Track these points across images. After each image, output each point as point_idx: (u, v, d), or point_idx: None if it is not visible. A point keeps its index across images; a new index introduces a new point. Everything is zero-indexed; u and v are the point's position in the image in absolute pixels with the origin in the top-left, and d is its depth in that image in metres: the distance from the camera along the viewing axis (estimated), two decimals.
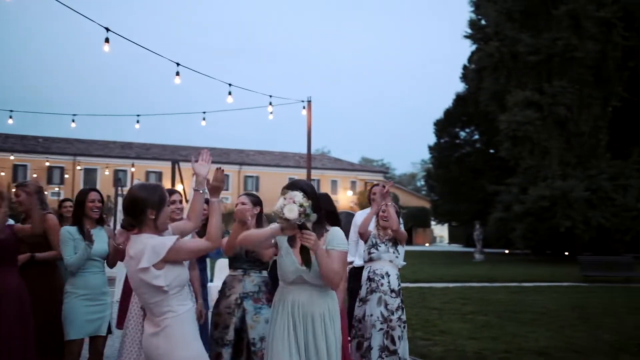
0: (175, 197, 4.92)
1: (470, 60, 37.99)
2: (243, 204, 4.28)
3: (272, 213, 3.11)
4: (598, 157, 27.73)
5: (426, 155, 70.73)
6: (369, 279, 5.05)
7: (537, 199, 26.06)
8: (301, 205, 2.94)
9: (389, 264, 4.97)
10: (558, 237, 27.26)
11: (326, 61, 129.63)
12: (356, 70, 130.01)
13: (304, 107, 11.83)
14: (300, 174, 51.65)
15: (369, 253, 5.14)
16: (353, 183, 53.15)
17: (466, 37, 33.83)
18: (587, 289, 14.73)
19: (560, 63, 27.30)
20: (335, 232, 3.22)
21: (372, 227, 5.19)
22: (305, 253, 3.04)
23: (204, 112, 11.47)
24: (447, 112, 40.78)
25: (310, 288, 3.16)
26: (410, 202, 56.07)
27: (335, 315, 3.21)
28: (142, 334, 4.07)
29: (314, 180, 50.46)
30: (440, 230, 69.42)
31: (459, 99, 39.96)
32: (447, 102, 56.92)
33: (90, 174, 43.44)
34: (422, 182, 71.32)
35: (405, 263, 5.12)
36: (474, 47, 34.89)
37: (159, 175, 44.18)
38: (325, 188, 49.19)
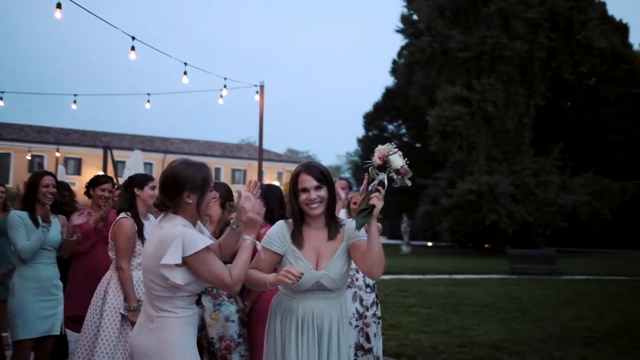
0: (106, 186, 4.69)
1: (399, 54, 38.48)
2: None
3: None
4: (522, 153, 28.71)
5: (351, 147, 71.44)
6: None
7: (464, 193, 26.68)
8: (406, 163, 2.63)
9: None
10: (483, 230, 28.05)
11: (256, 53, 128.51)
12: (286, 62, 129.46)
13: (257, 92, 11.40)
14: (226, 164, 50.84)
15: None
16: (280, 174, 52.78)
17: (398, 31, 34.16)
18: (517, 281, 15.12)
19: (489, 61, 28.01)
20: (351, 223, 2.83)
21: (342, 215, 4.96)
22: (365, 216, 2.59)
23: (149, 94, 10.80)
24: (376, 106, 41.13)
25: (326, 295, 2.74)
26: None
27: (347, 322, 2.87)
28: (119, 334, 3.67)
29: (240, 170, 49.79)
30: None
31: (389, 92, 40.37)
32: (376, 95, 57.67)
33: (3, 159, 40.96)
34: (348, 175, 71.90)
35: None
36: (404, 42, 35.28)
37: (79, 161, 42.25)
38: (252, 178, 48.56)
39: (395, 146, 2.65)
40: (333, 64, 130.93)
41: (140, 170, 11.20)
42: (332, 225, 2.79)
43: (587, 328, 8.07)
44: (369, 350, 4.47)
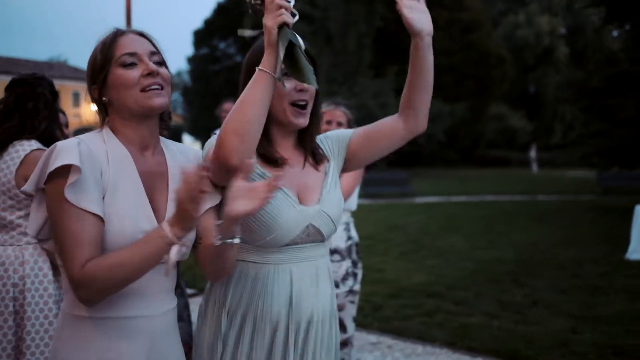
0: None
1: None
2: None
3: None
4: (362, 75, 28.26)
5: (173, 68, 67.04)
6: None
7: None
8: None
9: None
10: None
11: None
12: None
13: None
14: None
15: None
16: None
17: None
18: (379, 207, 14.57)
19: None
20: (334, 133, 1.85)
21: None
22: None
23: None
24: (208, 22, 38.26)
25: (315, 252, 1.62)
26: None
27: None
28: None
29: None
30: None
31: (221, 8, 37.63)
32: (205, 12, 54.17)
33: None
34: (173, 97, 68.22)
35: (357, 204, 3.31)
36: None
37: None
38: (66, 101, 43.32)
39: None
40: None
41: None
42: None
43: (497, 260, 7.38)
44: (344, 344, 3.01)
